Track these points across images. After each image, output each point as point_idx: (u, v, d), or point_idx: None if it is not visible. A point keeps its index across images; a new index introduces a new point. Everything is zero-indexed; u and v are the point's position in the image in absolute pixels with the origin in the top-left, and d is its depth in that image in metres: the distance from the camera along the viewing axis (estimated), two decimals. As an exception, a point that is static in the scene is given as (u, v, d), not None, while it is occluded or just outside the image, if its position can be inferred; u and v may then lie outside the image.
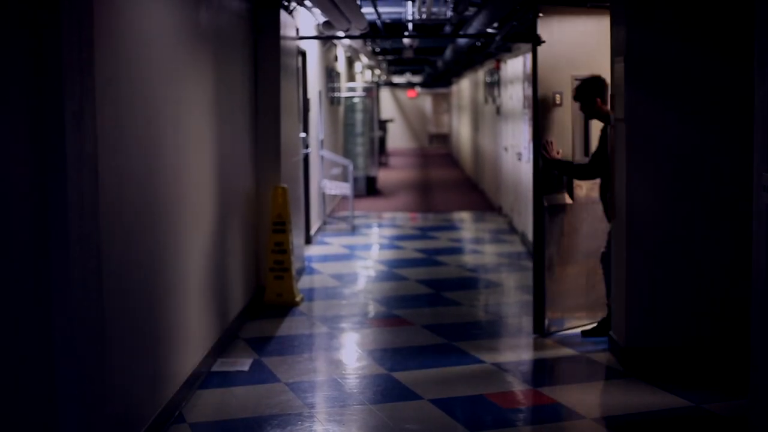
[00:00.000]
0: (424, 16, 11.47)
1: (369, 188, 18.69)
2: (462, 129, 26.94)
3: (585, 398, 5.66)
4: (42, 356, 3.71)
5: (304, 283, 9.30)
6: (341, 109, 17.59)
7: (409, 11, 11.74)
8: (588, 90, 6.91)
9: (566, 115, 7.13)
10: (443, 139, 38.21)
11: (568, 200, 7.13)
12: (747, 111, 6.02)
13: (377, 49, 18.70)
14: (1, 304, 3.65)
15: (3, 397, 3.66)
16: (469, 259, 10.90)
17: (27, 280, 3.66)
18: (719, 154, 6.11)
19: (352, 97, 18.29)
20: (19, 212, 3.63)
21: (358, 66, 21.90)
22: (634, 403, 5.55)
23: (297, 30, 9.68)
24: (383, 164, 27.17)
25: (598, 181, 7.09)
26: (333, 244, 12.06)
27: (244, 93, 7.84)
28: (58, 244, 3.68)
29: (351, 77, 20.05)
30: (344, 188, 13.81)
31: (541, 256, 6.98)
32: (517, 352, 6.77)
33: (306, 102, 11.30)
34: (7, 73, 3.60)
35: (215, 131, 6.57)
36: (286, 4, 8.82)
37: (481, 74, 18.58)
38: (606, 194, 6.74)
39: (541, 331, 7.01)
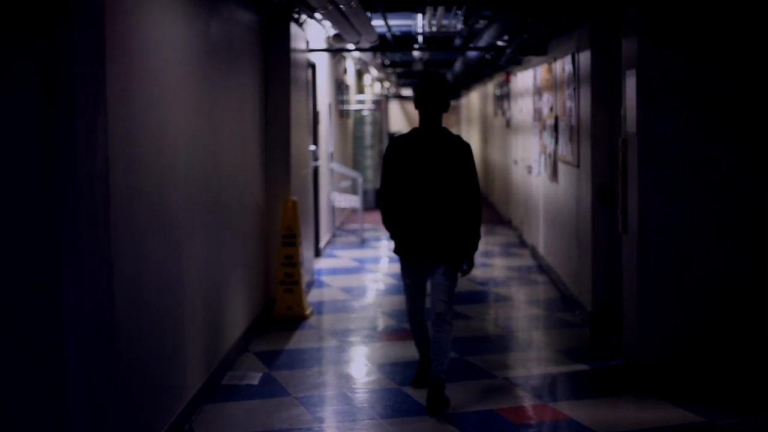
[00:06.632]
0: (434, 28, 11.47)
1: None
2: (471, 141, 26.85)
3: (597, 413, 5.62)
4: (53, 369, 3.70)
5: (313, 296, 9.28)
6: (350, 121, 17.60)
7: (420, 24, 11.74)
8: (447, 89, 6.17)
9: None
10: (452, 151, 38.01)
11: None
12: (760, 123, 6.00)
13: (387, 62, 18.71)
14: (14, 318, 3.66)
15: (15, 410, 3.67)
16: (478, 272, 10.86)
17: (39, 293, 3.66)
18: (732, 167, 6.07)
19: (362, 109, 18.30)
20: (31, 227, 3.63)
21: (367, 78, 21.92)
22: (645, 418, 5.51)
23: (307, 42, 9.69)
24: (392, 177, 27.09)
25: None
26: (342, 257, 12.04)
27: (255, 105, 7.85)
28: (70, 257, 3.67)
29: (360, 90, 20.07)
30: (353, 201, 13.80)
31: None
32: (527, 367, 6.73)
33: (315, 114, 11.30)
34: (20, 87, 3.61)
35: (226, 144, 6.56)
36: (296, 16, 8.83)
37: (490, 87, 18.57)
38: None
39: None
